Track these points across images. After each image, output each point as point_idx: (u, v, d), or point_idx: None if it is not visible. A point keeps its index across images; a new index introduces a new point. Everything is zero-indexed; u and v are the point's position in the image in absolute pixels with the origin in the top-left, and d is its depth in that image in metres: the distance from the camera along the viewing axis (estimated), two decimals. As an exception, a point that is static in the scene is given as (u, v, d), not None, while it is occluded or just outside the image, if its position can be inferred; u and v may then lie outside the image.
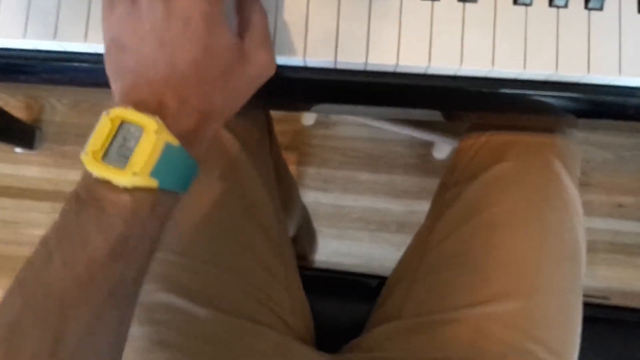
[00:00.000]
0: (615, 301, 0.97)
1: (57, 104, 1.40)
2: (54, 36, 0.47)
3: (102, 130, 0.34)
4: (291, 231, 0.90)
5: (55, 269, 0.33)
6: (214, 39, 0.37)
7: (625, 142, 1.28)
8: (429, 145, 1.31)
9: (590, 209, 1.28)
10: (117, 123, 0.34)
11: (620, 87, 0.47)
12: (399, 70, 0.47)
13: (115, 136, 0.34)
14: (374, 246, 1.32)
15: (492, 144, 0.62)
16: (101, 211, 0.33)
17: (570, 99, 0.48)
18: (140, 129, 0.34)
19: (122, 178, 0.33)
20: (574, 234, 0.58)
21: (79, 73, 0.50)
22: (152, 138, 0.33)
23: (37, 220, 1.36)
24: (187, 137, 0.36)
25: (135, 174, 0.33)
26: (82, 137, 1.40)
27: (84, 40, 0.47)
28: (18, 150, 1.37)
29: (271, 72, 0.41)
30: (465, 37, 0.46)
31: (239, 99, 0.40)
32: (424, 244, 0.62)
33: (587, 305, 0.60)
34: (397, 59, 0.46)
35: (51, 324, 0.32)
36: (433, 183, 1.29)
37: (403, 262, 0.67)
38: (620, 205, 1.28)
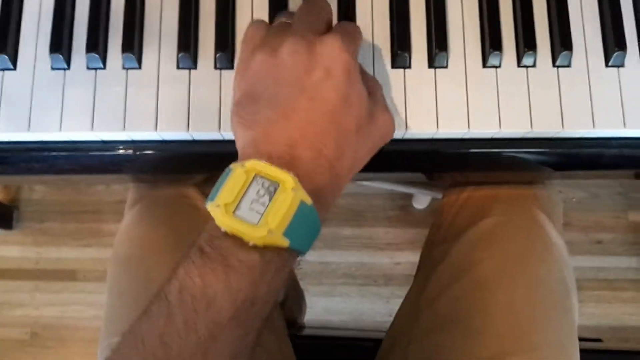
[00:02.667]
0: (606, 338, 0.97)
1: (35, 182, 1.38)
2: (28, 128, 0.47)
3: (236, 182, 0.32)
4: (279, 297, 0.88)
5: (176, 328, 0.31)
6: (352, 90, 0.36)
7: (599, 180, 1.30)
8: (408, 196, 1.31)
9: (570, 248, 1.28)
10: (252, 176, 0.32)
11: (595, 138, 0.48)
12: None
13: (248, 189, 0.32)
14: (363, 301, 1.30)
15: (474, 199, 0.62)
16: (229, 269, 0.31)
17: (547, 154, 0.49)
18: (276, 184, 0.32)
19: (256, 234, 0.31)
20: (564, 284, 0.58)
21: (58, 160, 0.50)
22: (289, 195, 0.32)
23: (19, 301, 1.32)
24: (316, 195, 0.34)
25: (270, 231, 0.31)
26: (61, 213, 1.40)
27: (59, 129, 0.47)
28: (-4, 231, 1.35)
29: (391, 135, 0.41)
30: (439, 102, 0.47)
31: (363, 159, 0.39)
32: (416, 305, 0.62)
33: (582, 352, 0.60)
34: (376, 128, 0.46)
35: None
36: (415, 233, 1.30)
37: (396, 324, 0.66)
38: (599, 242, 1.29)
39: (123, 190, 1.25)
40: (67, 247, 1.33)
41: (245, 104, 0.37)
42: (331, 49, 0.36)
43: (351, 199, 1.32)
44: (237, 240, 0.32)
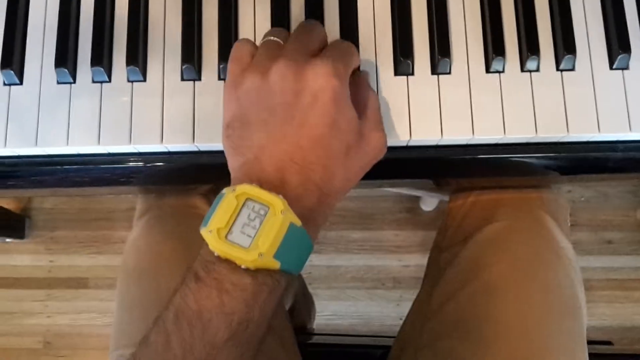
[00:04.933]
0: (616, 339, 0.96)
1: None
2: (35, 143, 0.47)
3: (227, 207, 0.33)
4: (288, 304, 0.88)
5: (174, 353, 0.32)
6: (340, 115, 0.37)
7: (607, 179, 1.29)
8: (415, 198, 1.31)
9: (580, 248, 1.27)
10: (242, 200, 0.34)
11: (601, 142, 0.47)
12: (382, 145, 0.47)
13: (239, 214, 0.33)
14: (371, 304, 1.30)
15: (481, 203, 0.62)
16: (222, 293, 0.33)
17: (553, 158, 0.49)
18: (266, 208, 0.33)
19: (248, 258, 0.32)
20: (573, 289, 0.57)
21: (68, 174, 0.50)
22: (278, 218, 0.33)
23: (32, 309, 1.33)
24: (306, 217, 0.35)
25: (261, 254, 0.32)
26: (72, 221, 1.40)
27: (66, 143, 0.47)
28: (8, 240, 1.34)
29: (383, 153, 0.41)
30: (442, 108, 0.46)
31: (353, 179, 0.40)
32: (424, 310, 0.61)
33: (592, 356, 0.59)
34: (380, 136, 0.46)
35: None
36: (424, 236, 1.30)
37: (405, 330, 0.65)
38: (609, 242, 1.28)
39: (134, 197, 1.26)
40: (78, 255, 1.34)
41: (236, 128, 0.38)
42: (320, 74, 0.37)
43: (359, 202, 1.32)
44: (230, 264, 0.33)
